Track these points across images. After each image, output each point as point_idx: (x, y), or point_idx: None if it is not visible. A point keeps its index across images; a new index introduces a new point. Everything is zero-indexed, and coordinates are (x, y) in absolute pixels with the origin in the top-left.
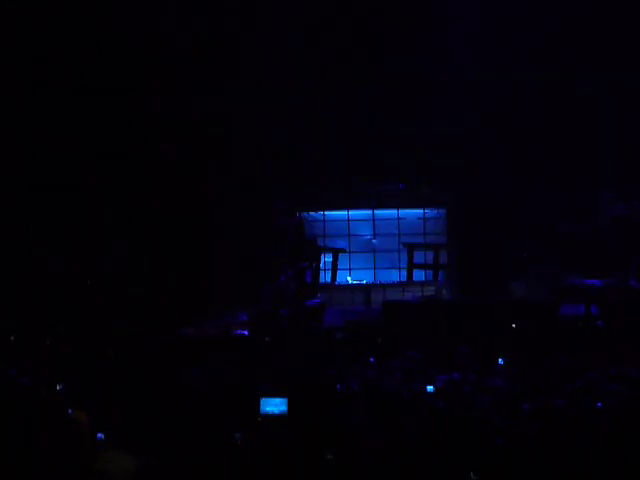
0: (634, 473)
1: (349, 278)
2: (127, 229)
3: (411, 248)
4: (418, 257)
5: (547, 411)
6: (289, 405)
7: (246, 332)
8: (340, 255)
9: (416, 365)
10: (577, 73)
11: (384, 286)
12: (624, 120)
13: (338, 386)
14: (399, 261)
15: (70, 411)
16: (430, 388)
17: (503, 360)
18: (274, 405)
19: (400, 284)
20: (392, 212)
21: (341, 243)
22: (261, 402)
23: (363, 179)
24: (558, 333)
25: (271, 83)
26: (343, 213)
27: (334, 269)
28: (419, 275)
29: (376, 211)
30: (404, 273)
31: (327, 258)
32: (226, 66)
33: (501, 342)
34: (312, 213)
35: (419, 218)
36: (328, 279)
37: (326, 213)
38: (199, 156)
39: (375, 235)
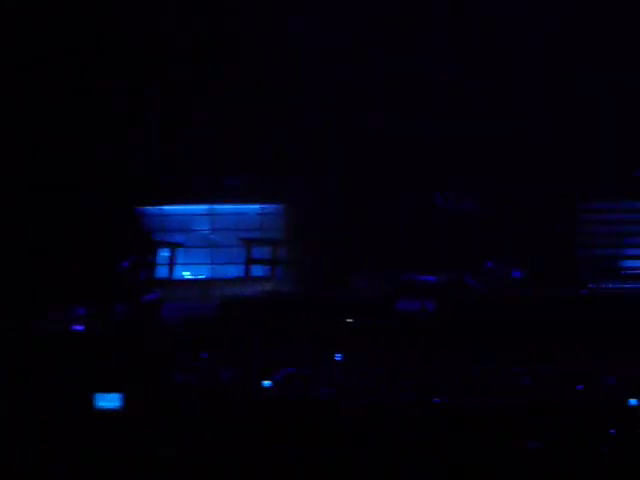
0: (467, 462)
1: (187, 273)
2: None
3: (249, 243)
4: (257, 252)
5: (386, 404)
6: (124, 400)
7: (83, 327)
8: (178, 250)
9: (256, 359)
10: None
11: (222, 281)
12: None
13: (176, 380)
14: (237, 256)
15: None
16: (267, 383)
17: (340, 354)
18: (108, 400)
19: (238, 279)
20: (231, 207)
21: (179, 238)
22: (95, 397)
23: (202, 174)
24: (394, 327)
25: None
26: (181, 207)
27: (171, 264)
28: (257, 270)
29: (215, 206)
30: (242, 268)
31: (164, 253)
32: None
33: (339, 336)
34: (149, 207)
35: (258, 214)
36: (165, 274)
37: (164, 207)
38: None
39: (213, 230)
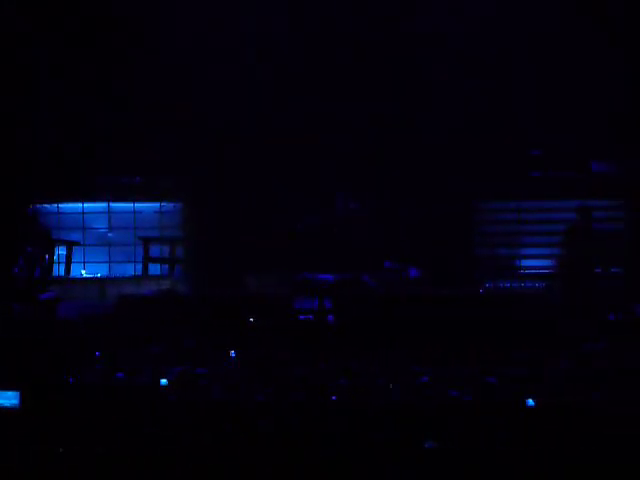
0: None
1: (84, 272)
2: None
3: (147, 242)
4: (154, 251)
5: (282, 403)
6: (21, 398)
7: None
8: (74, 248)
9: (152, 358)
10: None
11: (120, 280)
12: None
13: (71, 380)
14: (135, 255)
15: None
16: (164, 381)
17: (236, 353)
18: (5, 398)
19: (136, 278)
20: (128, 205)
21: (75, 236)
22: None
23: (98, 171)
24: (292, 327)
25: None
26: (77, 205)
27: (68, 262)
28: (155, 269)
29: (112, 204)
30: (140, 267)
31: (61, 251)
32: None
33: (235, 335)
34: (45, 205)
35: (156, 211)
36: (62, 272)
37: (60, 205)
38: None
39: (111, 228)
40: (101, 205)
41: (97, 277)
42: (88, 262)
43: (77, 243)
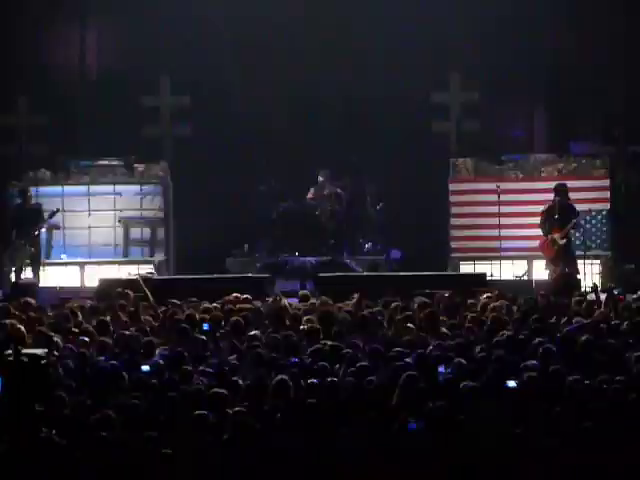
0: None
1: (64, 255)
2: None
3: (127, 225)
4: (135, 234)
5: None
6: (3, 384)
7: None
8: (55, 232)
9: (135, 343)
10: None
11: (99, 263)
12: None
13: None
14: (115, 238)
15: None
16: (146, 368)
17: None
18: None
19: (116, 261)
20: (108, 188)
21: (56, 219)
22: None
23: (77, 155)
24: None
25: None
26: (57, 189)
27: (48, 245)
28: (136, 252)
29: (91, 187)
30: (120, 250)
31: (40, 235)
32: None
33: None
34: (23, 188)
35: (136, 194)
36: (42, 256)
37: (39, 188)
38: None
39: (90, 212)
40: (81, 188)
41: (77, 260)
42: (68, 245)
43: (57, 227)
